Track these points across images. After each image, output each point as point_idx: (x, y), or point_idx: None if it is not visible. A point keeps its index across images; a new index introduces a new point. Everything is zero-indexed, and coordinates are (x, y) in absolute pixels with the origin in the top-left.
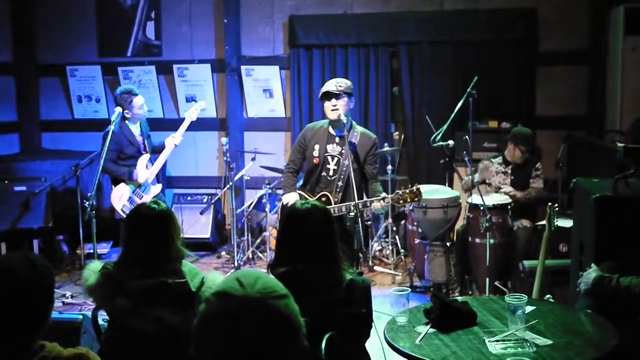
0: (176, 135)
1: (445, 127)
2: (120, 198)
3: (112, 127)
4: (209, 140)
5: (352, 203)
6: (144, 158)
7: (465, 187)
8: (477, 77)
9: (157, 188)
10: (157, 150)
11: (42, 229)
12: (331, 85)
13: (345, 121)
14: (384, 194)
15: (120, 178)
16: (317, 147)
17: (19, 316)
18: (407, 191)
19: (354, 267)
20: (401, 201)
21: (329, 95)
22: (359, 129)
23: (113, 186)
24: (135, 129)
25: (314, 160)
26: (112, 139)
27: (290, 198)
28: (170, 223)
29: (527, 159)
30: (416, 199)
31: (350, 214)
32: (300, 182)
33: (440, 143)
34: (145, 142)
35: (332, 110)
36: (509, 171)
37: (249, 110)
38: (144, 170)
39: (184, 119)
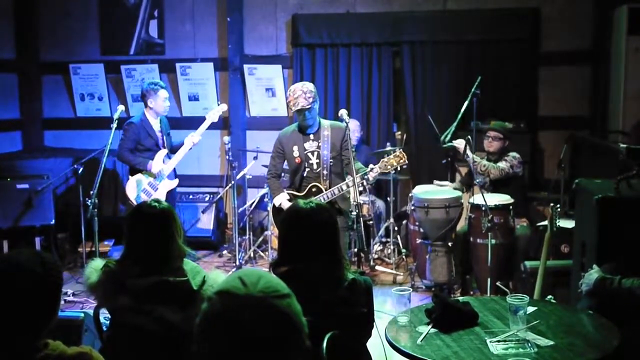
0: (195, 134)
1: (453, 127)
2: (135, 188)
3: (114, 126)
4: (211, 138)
5: (344, 183)
6: (162, 152)
7: (459, 187)
8: (480, 76)
9: (172, 183)
10: (176, 149)
11: (45, 226)
12: (300, 100)
13: (312, 124)
14: (371, 165)
15: (136, 168)
16: (295, 148)
17: (28, 313)
18: (392, 156)
19: (355, 266)
20: (389, 167)
21: (301, 111)
22: (327, 122)
23: (130, 177)
24: (155, 123)
25: (296, 160)
26: (131, 130)
27: (281, 199)
28: (171, 221)
29: (504, 150)
30: (401, 161)
31: (352, 214)
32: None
33: (450, 144)
34: (164, 138)
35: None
36: None
37: (252, 109)
38: (160, 163)
39: (186, 117)
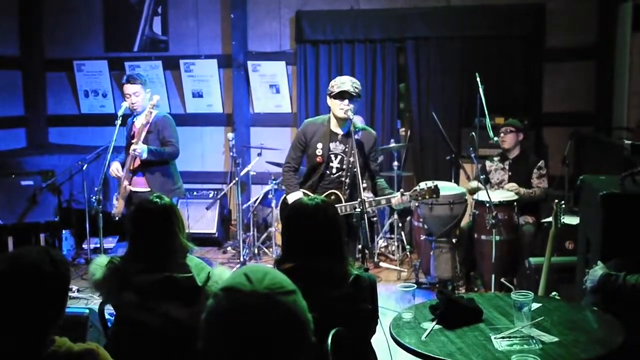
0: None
1: (489, 124)
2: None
3: (118, 122)
4: (215, 135)
5: (369, 200)
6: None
7: (472, 192)
8: (481, 73)
9: (122, 189)
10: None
11: (49, 223)
12: (347, 85)
13: (352, 118)
14: (401, 190)
15: None
16: (319, 145)
17: (37, 310)
18: (426, 188)
19: (359, 262)
20: (419, 198)
21: (343, 95)
22: (359, 124)
23: None
24: (138, 121)
25: (317, 159)
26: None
27: (296, 197)
28: (173, 217)
29: (524, 153)
30: (434, 195)
31: (356, 210)
32: (300, 180)
33: (496, 139)
34: (147, 138)
35: (343, 109)
36: (507, 167)
37: (255, 105)
38: (119, 165)
39: (190, 114)
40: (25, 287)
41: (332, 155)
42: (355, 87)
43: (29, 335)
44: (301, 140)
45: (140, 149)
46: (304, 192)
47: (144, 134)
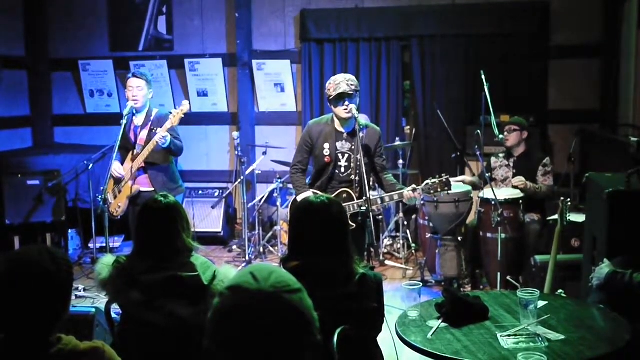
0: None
1: (494, 122)
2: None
3: (124, 122)
4: (220, 134)
5: (382, 196)
6: (130, 154)
7: (473, 186)
8: (486, 71)
9: (132, 187)
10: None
11: (55, 222)
12: (343, 86)
13: (357, 116)
14: (413, 185)
15: None
16: (326, 145)
17: (39, 309)
18: (437, 181)
19: (365, 261)
20: (432, 191)
21: (342, 97)
22: (362, 121)
23: None
24: (137, 119)
25: (325, 159)
26: (124, 124)
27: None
28: (178, 216)
29: (530, 151)
30: (446, 188)
31: (362, 208)
32: (309, 181)
33: (501, 136)
34: (144, 135)
35: (346, 110)
36: (512, 164)
37: (260, 104)
38: (123, 165)
39: (195, 113)
40: (28, 285)
41: (339, 155)
42: (351, 85)
43: (34, 333)
44: (307, 142)
45: (167, 137)
46: (313, 192)
47: (142, 131)
